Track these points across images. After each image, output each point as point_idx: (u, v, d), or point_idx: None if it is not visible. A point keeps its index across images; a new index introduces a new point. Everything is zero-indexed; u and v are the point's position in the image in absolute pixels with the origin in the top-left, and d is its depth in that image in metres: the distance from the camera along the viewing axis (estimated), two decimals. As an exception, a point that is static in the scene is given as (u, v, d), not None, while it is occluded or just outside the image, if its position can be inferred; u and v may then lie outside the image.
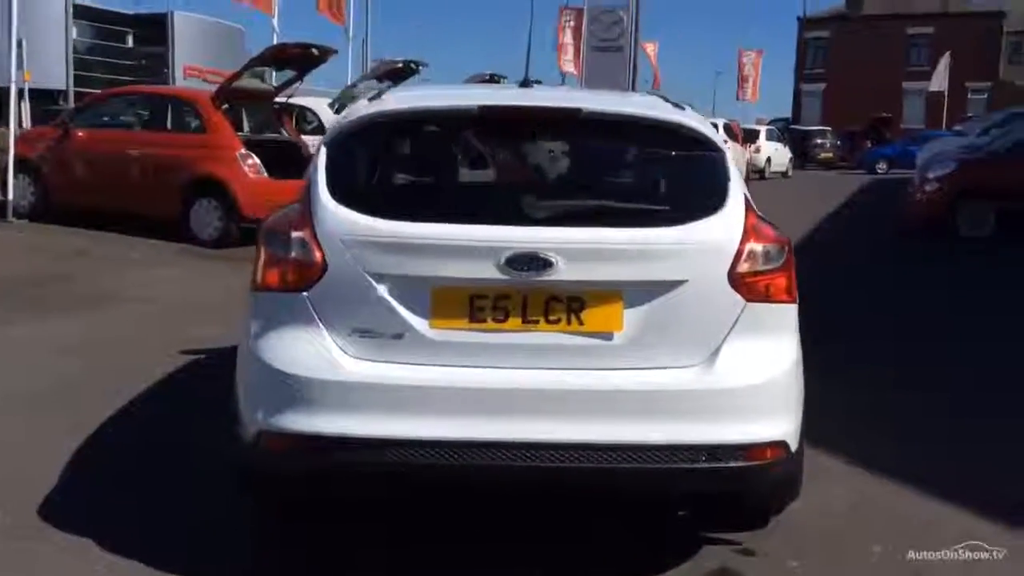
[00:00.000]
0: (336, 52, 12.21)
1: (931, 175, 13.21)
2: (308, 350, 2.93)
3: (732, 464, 2.83)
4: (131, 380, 5.01)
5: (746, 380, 2.87)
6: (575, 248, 2.84)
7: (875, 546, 3.36)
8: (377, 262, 2.90)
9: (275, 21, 16.35)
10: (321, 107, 13.69)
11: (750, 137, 28.00)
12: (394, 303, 2.89)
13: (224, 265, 9.11)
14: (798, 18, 53.50)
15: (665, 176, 3.17)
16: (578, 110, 3.12)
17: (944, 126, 34.41)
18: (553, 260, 2.80)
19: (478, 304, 2.88)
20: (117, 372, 5.25)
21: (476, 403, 2.84)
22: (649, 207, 3.00)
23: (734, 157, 3.53)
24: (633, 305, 2.86)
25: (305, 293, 2.95)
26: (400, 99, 3.40)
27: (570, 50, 26.50)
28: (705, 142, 3.12)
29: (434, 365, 2.89)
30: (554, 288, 2.85)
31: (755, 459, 2.85)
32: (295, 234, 2.98)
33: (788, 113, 51.38)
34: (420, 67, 12.92)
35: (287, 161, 10.30)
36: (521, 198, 3.00)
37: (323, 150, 3.18)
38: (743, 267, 2.90)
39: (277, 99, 11.82)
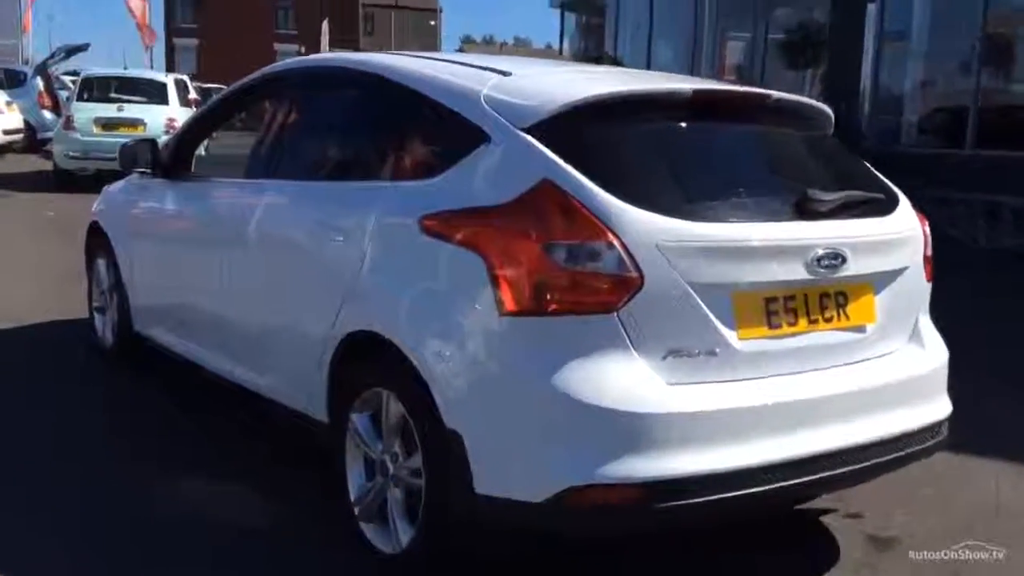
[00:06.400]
0: None
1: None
2: (623, 381, 2.45)
3: (943, 435, 3.04)
4: None
5: (944, 355, 3.10)
6: (862, 241, 2.80)
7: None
8: (693, 270, 2.52)
9: None
10: None
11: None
12: (710, 315, 2.54)
13: None
14: (164, -32, 51.65)
15: (848, 164, 3.21)
16: (768, 95, 3.03)
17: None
18: (846, 255, 2.73)
19: (771, 308, 2.67)
20: None
21: (795, 417, 2.64)
22: (879, 196, 3.03)
23: None
24: (878, 294, 2.91)
25: (615, 313, 2.44)
26: (585, 83, 2.93)
27: None
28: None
29: (745, 380, 2.61)
30: (833, 284, 2.77)
31: (947, 427, 3.11)
32: (598, 244, 2.43)
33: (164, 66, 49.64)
34: None
35: None
36: (790, 190, 2.82)
37: (532, 139, 2.62)
38: (927, 251, 3.12)
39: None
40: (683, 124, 2.83)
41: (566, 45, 28.88)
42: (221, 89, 28.61)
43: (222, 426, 4.10)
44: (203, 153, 4.48)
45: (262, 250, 3.52)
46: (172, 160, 4.29)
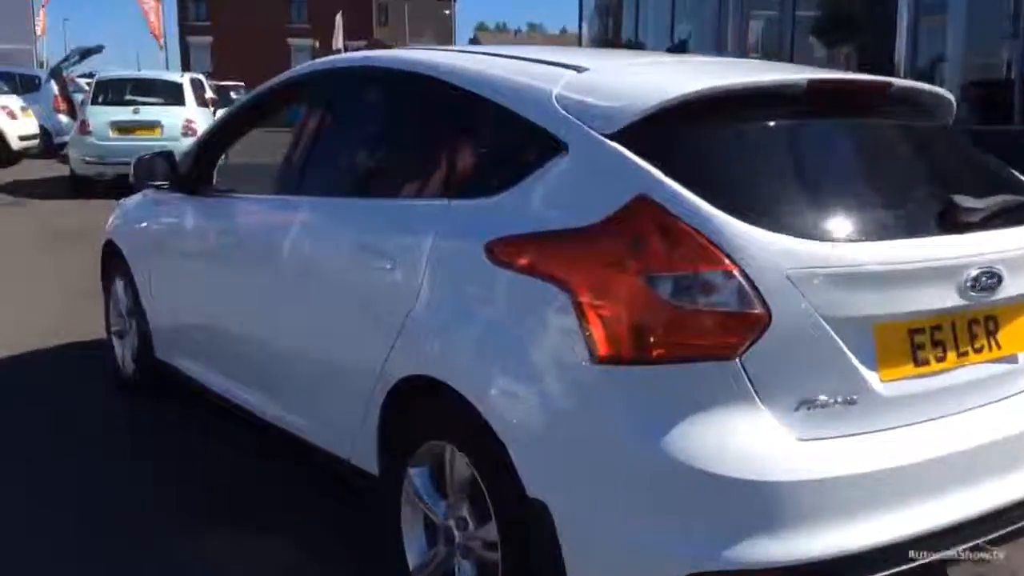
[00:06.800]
0: None
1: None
2: (749, 441, 2.01)
3: None
4: None
5: None
6: (1018, 255, 2.33)
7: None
8: (829, 302, 2.06)
9: None
10: None
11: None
12: (849, 355, 2.09)
13: None
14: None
15: (981, 160, 2.74)
16: (888, 82, 2.56)
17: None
18: (1002, 273, 2.27)
19: (917, 341, 2.22)
20: None
21: (952, 471, 2.20)
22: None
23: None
24: None
25: (737, 358, 1.99)
26: (677, 77, 2.47)
27: None
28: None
29: (890, 429, 2.16)
30: (984, 309, 2.31)
31: None
32: (714, 273, 1.99)
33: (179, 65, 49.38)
34: None
35: None
36: (931, 198, 2.36)
37: (620, 147, 2.17)
38: None
39: None
40: (798, 123, 2.36)
41: (584, 28, 28.26)
42: (238, 87, 28.03)
43: (249, 465, 3.72)
44: (225, 159, 4.03)
45: (296, 277, 3.07)
46: (192, 173, 3.88)
